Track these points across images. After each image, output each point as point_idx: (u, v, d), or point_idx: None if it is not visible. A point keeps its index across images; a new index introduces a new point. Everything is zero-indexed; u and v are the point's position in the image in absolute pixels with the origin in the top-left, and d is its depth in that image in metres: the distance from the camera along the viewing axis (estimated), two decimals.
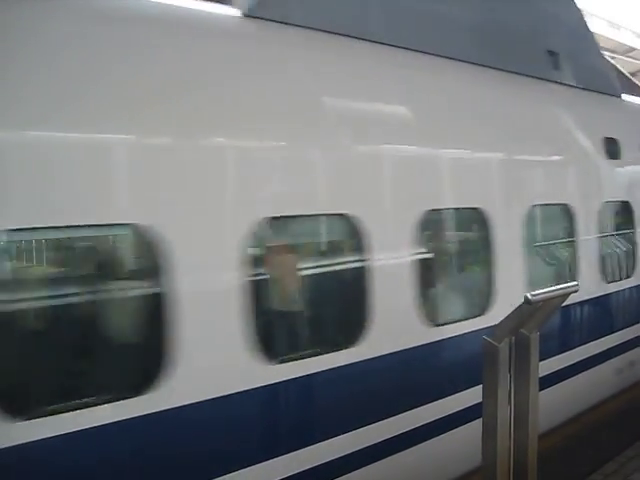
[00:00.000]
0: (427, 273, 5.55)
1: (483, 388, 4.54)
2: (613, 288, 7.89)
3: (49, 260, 3.96)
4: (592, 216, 7.50)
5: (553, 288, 4.63)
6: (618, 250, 8.32)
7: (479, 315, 5.86)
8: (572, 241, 7.23)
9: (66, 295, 3.87)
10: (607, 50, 27.04)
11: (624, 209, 8.32)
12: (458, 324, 5.70)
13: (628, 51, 28.03)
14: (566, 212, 7.17)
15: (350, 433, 4.85)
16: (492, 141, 6.46)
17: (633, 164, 8.62)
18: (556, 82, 7.72)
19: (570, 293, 4.75)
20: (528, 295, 4.25)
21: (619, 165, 8.19)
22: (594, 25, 24.29)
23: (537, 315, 4.55)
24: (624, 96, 9.09)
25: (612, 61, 10.44)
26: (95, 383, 3.85)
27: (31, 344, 3.74)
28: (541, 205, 6.91)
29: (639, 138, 8.82)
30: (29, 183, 3.57)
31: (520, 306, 4.36)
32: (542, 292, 4.41)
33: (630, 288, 8.21)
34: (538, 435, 4.81)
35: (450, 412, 5.53)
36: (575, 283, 4.95)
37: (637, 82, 10.89)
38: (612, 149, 8.00)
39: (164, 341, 3.89)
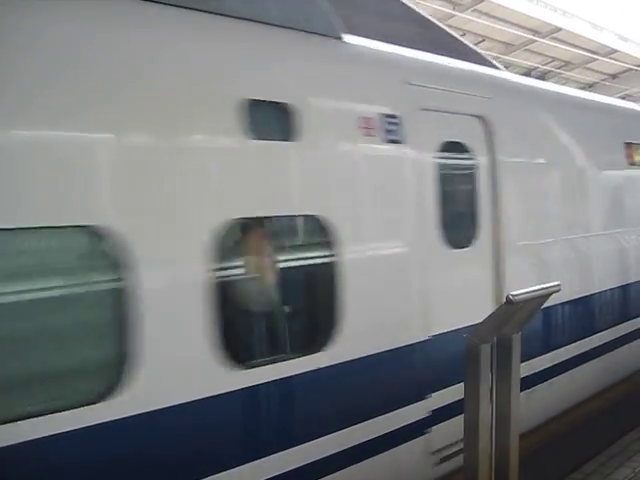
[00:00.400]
0: None
1: (465, 388, 4.55)
2: (254, 379, 4.26)
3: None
4: (189, 247, 4.02)
5: (534, 288, 4.64)
6: (279, 304, 4.73)
7: None
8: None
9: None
10: (589, 51, 27.27)
11: (307, 230, 4.90)
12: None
13: (610, 53, 28.13)
14: (93, 242, 3.75)
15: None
16: None
17: (333, 149, 4.85)
18: None
19: (552, 293, 4.77)
20: (509, 295, 4.26)
21: (295, 150, 4.61)
22: (576, 26, 24.46)
23: (519, 315, 4.57)
24: (350, 38, 5.43)
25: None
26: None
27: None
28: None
29: (366, 102, 5.16)
30: None
31: (501, 306, 4.38)
32: (523, 292, 4.42)
33: (301, 376, 4.48)
34: (519, 435, 4.84)
35: None
36: (557, 283, 4.90)
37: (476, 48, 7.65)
38: (268, 121, 4.54)
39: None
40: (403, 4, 6.63)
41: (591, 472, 6.49)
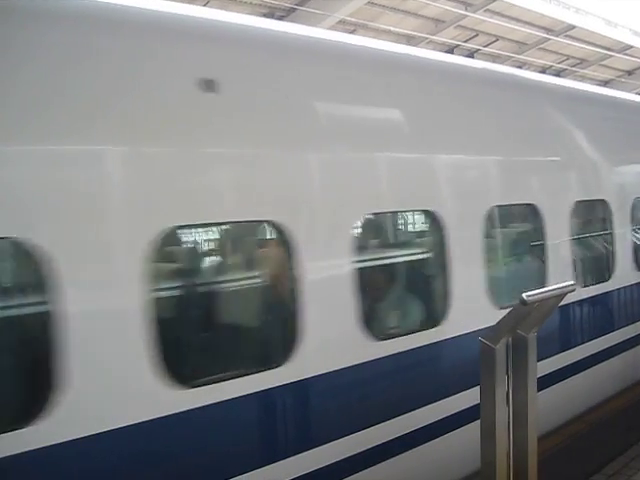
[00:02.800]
0: None
1: (481, 389, 4.51)
2: None
3: None
4: None
5: (549, 288, 4.60)
6: None
7: None
8: None
9: None
10: (604, 48, 27.04)
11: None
12: None
13: (625, 49, 27.88)
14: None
15: None
16: None
17: None
18: None
19: (566, 293, 4.71)
20: (524, 295, 4.22)
21: None
22: (590, 23, 24.28)
23: (534, 315, 4.53)
24: None
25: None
26: None
27: None
28: None
29: None
30: None
31: (516, 307, 4.33)
32: (537, 292, 4.38)
33: None
34: (538, 436, 4.79)
35: None
36: (572, 282, 4.88)
37: None
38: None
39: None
40: None
41: (613, 474, 6.39)
